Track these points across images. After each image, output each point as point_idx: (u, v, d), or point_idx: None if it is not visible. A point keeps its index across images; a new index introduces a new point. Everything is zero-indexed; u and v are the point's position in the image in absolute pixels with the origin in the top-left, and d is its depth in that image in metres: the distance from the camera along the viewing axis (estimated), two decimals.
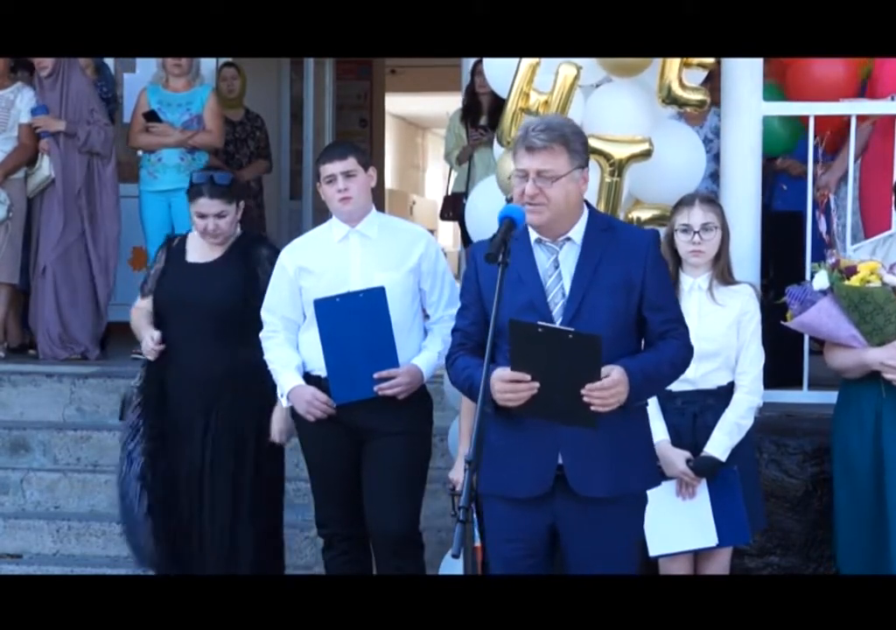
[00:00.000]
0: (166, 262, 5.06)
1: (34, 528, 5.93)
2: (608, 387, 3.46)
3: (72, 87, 7.12)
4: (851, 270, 4.38)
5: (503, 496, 3.60)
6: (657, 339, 3.66)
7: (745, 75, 5.05)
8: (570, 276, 3.65)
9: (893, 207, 4.54)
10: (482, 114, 7.73)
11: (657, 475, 3.93)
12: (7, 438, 6.32)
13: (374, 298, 4.42)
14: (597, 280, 3.62)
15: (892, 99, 5.41)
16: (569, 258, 3.68)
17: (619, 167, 4.66)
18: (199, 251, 5.03)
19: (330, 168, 4.54)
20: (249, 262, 4.92)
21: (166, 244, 5.16)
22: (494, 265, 3.44)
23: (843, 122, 5.44)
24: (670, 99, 4.70)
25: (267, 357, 4.69)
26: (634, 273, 3.66)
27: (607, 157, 4.65)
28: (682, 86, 4.68)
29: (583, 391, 3.44)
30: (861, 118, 5.42)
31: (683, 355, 3.73)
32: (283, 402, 4.66)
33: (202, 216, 4.94)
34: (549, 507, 3.68)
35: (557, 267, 3.68)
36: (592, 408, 3.45)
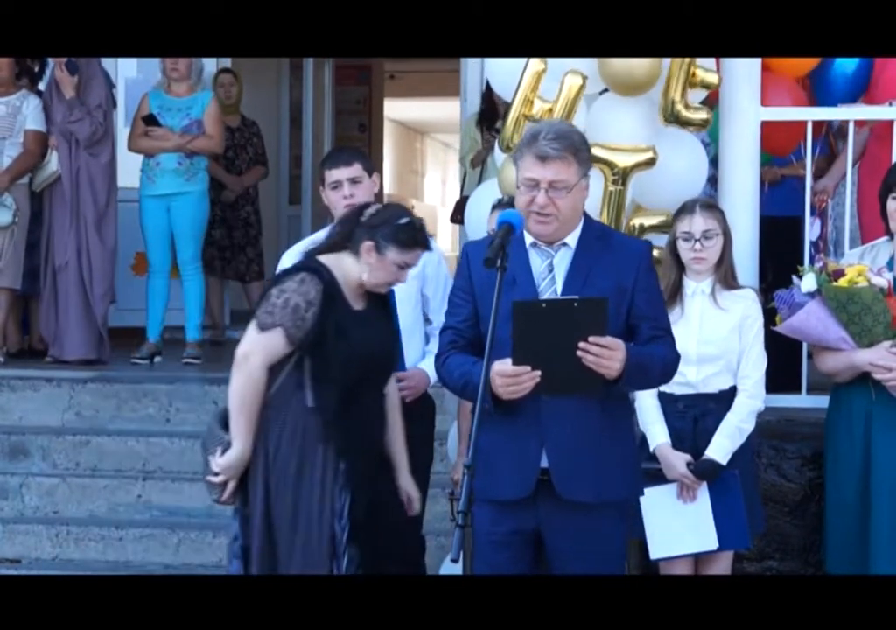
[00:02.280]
0: (325, 303, 4.00)
1: (33, 534, 5.94)
2: (610, 344, 3.48)
3: (87, 85, 7.15)
4: (839, 274, 4.41)
5: (487, 499, 3.57)
6: (646, 343, 3.68)
7: (743, 80, 5.06)
8: (563, 280, 3.68)
9: (881, 213, 4.55)
10: (497, 118, 7.74)
11: (641, 484, 3.93)
12: (6, 443, 6.32)
13: None
14: (589, 285, 3.63)
15: (890, 104, 5.42)
16: (563, 262, 3.70)
17: (623, 176, 4.66)
18: (352, 295, 4.11)
19: (336, 174, 4.54)
20: (388, 307, 4.29)
21: (316, 275, 4.03)
22: (493, 269, 3.45)
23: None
24: (673, 118, 4.72)
25: None
26: (626, 281, 3.69)
27: (611, 165, 4.65)
28: (687, 106, 4.70)
29: (582, 345, 3.45)
30: (859, 123, 5.44)
31: (673, 360, 3.76)
32: None
33: (406, 266, 4.14)
34: (533, 512, 3.69)
35: (552, 271, 3.70)
36: (588, 362, 3.46)
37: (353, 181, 4.53)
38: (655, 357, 3.67)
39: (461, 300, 3.78)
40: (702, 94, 4.86)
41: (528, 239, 3.70)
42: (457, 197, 8.47)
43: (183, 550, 5.83)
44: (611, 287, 3.65)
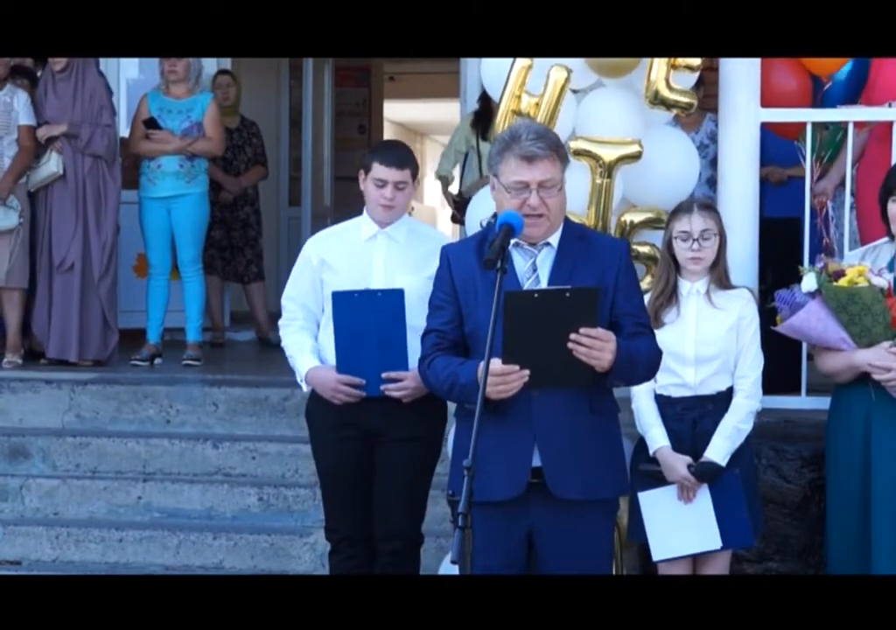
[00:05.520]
0: None
1: (33, 535, 5.93)
2: (601, 336, 3.48)
3: (86, 84, 7.14)
4: (839, 274, 4.42)
5: (479, 501, 3.50)
6: (629, 338, 3.68)
7: (742, 81, 5.06)
8: (547, 279, 3.69)
9: (881, 216, 4.56)
10: (493, 120, 7.73)
11: (627, 483, 3.97)
12: (6, 445, 6.32)
13: (392, 300, 4.40)
14: (572, 283, 3.63)
15: (890, 106, 5.42)
16: (546, 262, 3.73)
17: (608, 169, 4.68)
18: None
19: (385, 173, 4.44)
20: None
21: None
22: (493, 271, 3.45)
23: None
24: (657, 100, 4.72)
25: (284, 343, 4.66)
26: (607, 278, 3.71)
27: (596, 158, 4.68)
28: (670, 88, 4.70)
29: (573, 336, 3.45)
30: (858, 125, 5.44)
31: (656, 355, 3.78)
32: (303, 386, 4.64)
33: None
34: (525, 514, 3.70)
35: (535, 270, 3.72)
36: (579, 354, 3.46)
37: (399, 187, 4.45)
38: (642, 351, 3.69)
39: (443, 302, 3.80)
40: (689, 78, 4.85)
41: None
42: (455, 197, 8.47)
43: (183, 552, 5.83)
44: (593, 285, 3.65)
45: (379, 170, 4.45)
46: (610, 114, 4.77)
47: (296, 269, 4.66)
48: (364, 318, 4.40)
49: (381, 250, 4.54)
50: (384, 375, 4.44)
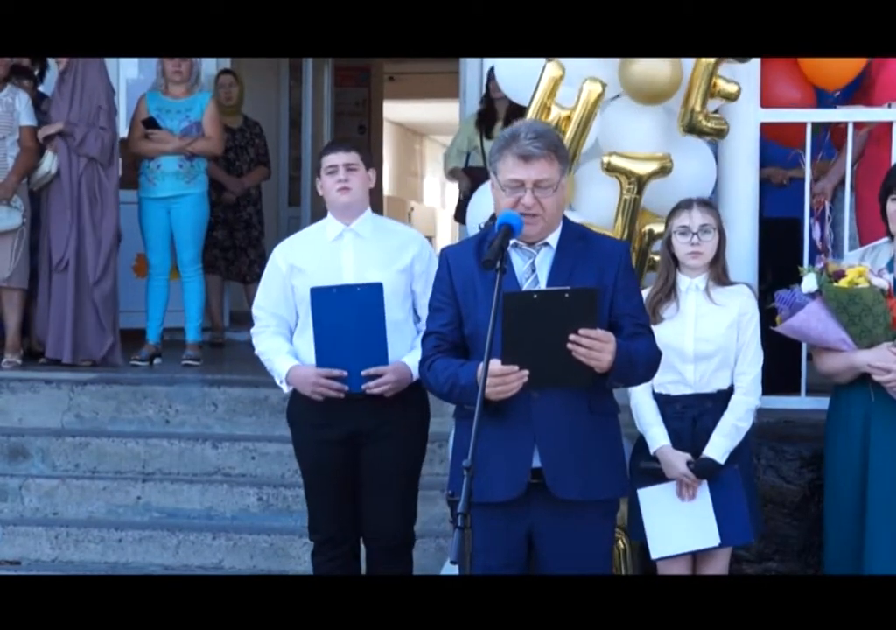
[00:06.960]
0: None
1: (33, 535, 5.93)
2: (601, 337, 3.48)
3: (86, 84, 7.12)
4: (839, 275, 4.42)
5: (479, 502, 3.47)
6: (628, 339, 3.68)
7: (742, 81, 5.05)
8: (546, 280, 3.69)
9: (881, 215, 4.56)
10: (498, 119, 7.74)
11: (627, 483, 3.97)
12: (6, 445, 6.32)
13: (371, 294, 4.40)
14: (571, 283, 3.62)
15: (889, 106, 5.42)
16: (545, 262, 3.73)
17: (639, 184, 4.67)
18: None
19: (333, 158, 4.57)
20: None
21: None
22: (492, 271, 3.45)
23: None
24: (690, 127, 4.72)
25: (259, 350, 4.68)
26: (607, 279, 3.71)
27: (628, 174, 4.67)
28: (706, 116, 4.71)
29: (573, 337, 3.45)
30: (858, 125, 5.44)
31: (655, 356, 3.78)
32: (283, 388, 4.64)
33: None
34: (525, 514, 3.70)
35: (534, 270, 3.72)
36: (578, 354, 3.46)
37: (350, 168, 4.55)
38: (641, 352, 3.69)
39: (442, 304, 3.80)
40: (717, 102, 4.86)
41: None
42: (457, 197, 8.48)
43: (182, 552, 5.83)
44: (592, 285, 3.64)
45: (327, 159, 4.59)
46: (634, 125, 4.76)
47: (265, 277, 4.69)
48: (343, 313, 4.40)
49: (348, 248, 4.57)
50: (364, 373, 4.43)
